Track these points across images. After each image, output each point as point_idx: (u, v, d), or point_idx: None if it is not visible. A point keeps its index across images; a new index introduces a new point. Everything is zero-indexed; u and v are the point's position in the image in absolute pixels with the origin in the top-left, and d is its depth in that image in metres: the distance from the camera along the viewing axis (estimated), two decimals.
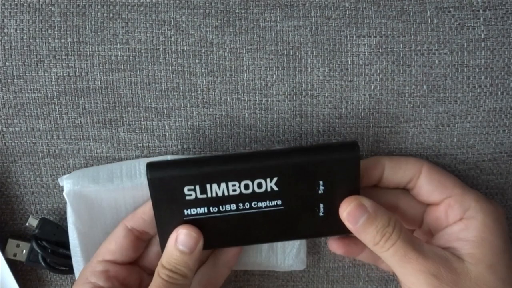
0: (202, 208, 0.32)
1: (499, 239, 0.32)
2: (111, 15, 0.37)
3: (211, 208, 0.32)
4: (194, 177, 0.32)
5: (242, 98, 0.38)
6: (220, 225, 0.33)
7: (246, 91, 0.38)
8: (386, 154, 0.39)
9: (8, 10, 0.37)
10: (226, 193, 0.32)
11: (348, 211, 0.32)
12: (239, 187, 0.32)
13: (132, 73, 0.37)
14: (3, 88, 0.37)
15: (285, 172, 0.32)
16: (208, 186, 0.32)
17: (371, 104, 0.38)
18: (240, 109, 0.38)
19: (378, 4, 0.37)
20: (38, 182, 0.39)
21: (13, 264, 0.39)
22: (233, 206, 0.33)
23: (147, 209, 0.35)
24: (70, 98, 0.38)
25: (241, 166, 0.32)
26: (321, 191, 0.33)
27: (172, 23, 0.37)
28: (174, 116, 0.38)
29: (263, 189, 0.32)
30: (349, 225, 0.33)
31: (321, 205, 0.33)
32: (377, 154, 0.39)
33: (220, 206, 0.32)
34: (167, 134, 0.38)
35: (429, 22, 0.37)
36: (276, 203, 0.33)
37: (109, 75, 0.37)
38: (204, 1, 0.37)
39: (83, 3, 0.37)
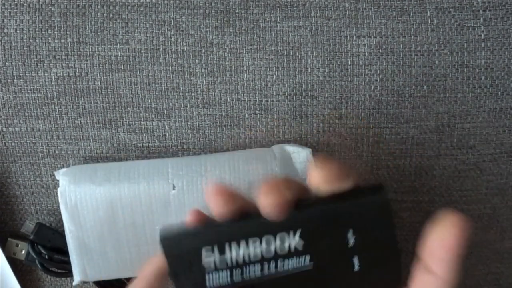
0: (225, 273, 0.29)
1: None
2: (111, 15, 0.37)
3: (234, 273, 0.29)
4: (211, 236, 0.29)
5: (242, 99, 0.38)
6: None
7: (246, 91, 0.38)
8: (386, 155, 0.39)
9: (8, 10, 0.37)
10: (247, 253, 0.29)
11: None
12: (261, 243, 0.29)
13: (132, 73, 0.37)
14: (3, 88, 0.37)
15: (308, 222, 0.29)
16: (226, 245, 0.29)
17: (371, 105, 0.38)
18: (240, 109, 0.38)
19: (378, 4, 0.37)
20: (38, 182, 0.39)
21: (13, 262, 0.39)
22: (258, 268, 0.29)
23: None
24: (70, 98, 0.38)
25: (261, 219, 0.29)
26: (352, 242, 0.29)
27: (172, 23, 0.37)
28: (174, 116, 0.38)
29: (287, 243, 0.29)
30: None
31: (355, 259, 0.29)
32: (378, 155, 0.39)
33: (244, 270, 0.29)
34: (167, 134, 0.38)
35: (429, 22, 0.37)
36: (304, 260, 0.29)
37: (109, 75, 0.37)
38: (204, 1, 0.37)
39: (83, 3, 0.37)
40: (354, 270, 0.29)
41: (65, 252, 0.39)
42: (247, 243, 0.29)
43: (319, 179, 0.28)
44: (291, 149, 0.37)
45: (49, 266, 0.39)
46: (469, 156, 0.39)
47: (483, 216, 0.41)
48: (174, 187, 0.36)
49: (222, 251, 0.29)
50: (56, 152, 0.39)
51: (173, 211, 0.36)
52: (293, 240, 0.29)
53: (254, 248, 0.29)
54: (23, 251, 0.39)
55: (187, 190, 0.36)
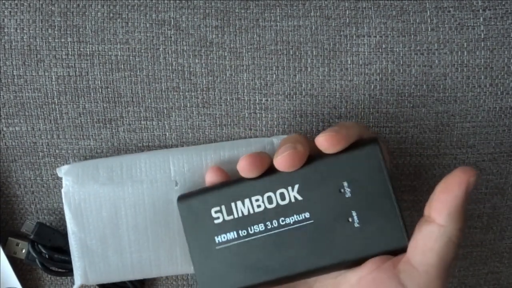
0: (232, 233, 0.32)
1: None
2: (111, 15, 0.37)
3: (240, 232, 0.32)
4: (218, 196, 0.32)
5: (242, 98, 0.38)
6: (251, 252, 0.32)
7: (246, 91, 0.38)
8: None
9: (8, 10, 0.37)
10: (251, 211, 0.32)
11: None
12: (263, 201, 0.32)
13: (132, 73, 0.38)
14: (3, 88, 0.37)
15: (305, 177, 0.31)
16: (233, 204, 0.32)
17: (371, 104, 0.38)
18: (240, 109, 0.38)
19: (378, 4, 0.37)
20: (38, 182, 0.39)
21: (13, 261, 0.39)
22: (261, 226, 0.32)
23: None
24: (70, 98, 0.38)
25: (261, 179, 0.32)
26: (348, 194, 0.30)
27: (172, 23, 0.37)
28: (174, 115, 0.38)
29: (287, 200, 0.31)
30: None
31: (353, 213, 0.30)
32: None
33: (249, 228, 0.32)
34: (167, 134, 0.38)
35: (429, 22, 0.37)
36: (304, 216, 0.31)
37: (109, 75, 0.38)
38: (204, 1, 0.37)
39: (83, 3, 0.37)
40: (355, 226, 0.31)
41: (66, 252, 0.39)
42: (251, 201, 0.32)
43: (325, 143, 0.30)
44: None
45: (49, 266, 0.39)
46: (468, 156, 0.39)
47: (483, 215, 0.41)
48: (176, 184, 0.36)
49: (229, 211, 0.32)
50: (57, 151, 0.39)
51: (175, 210, 0.36)
52: (292, 196, 0.31)
53: (257, 206, 0.32)
54: (24, 250, 0.39)
55: (189, 187, 0.36)
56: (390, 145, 0.39)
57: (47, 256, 0.39)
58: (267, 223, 0.32)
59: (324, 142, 0.30)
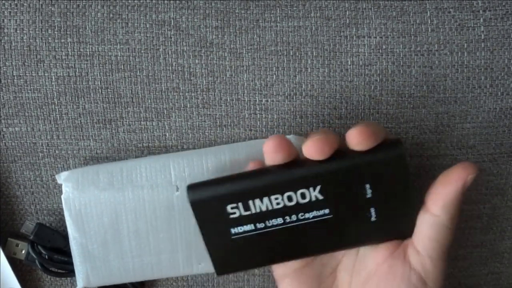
0: (249, 225, 0.32)
1: None
2: (111, 15, 0.37)
3: (257, 225, 0.32)
4: (235, 194, 0.31)
5: (242, 99, 0.38)
6: (269, 241, 0.32)
7: (246, 91, 0.38)
8: None
9: (8, 10, 0.37)
10: (270, 207, 0.31)
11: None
12: (283, 199, 0.31)
13: (132, 73, 0.37)
14: (3, 88, 0.37)
15: (328, 179, 0.31)
16: (251, 202, 0.31)
17: (371, 105, 0.38)
18: (240, 109, 0.38)
19: (378, 4, 0.37)
20: (38, 182, 0.39)
21: (13, 262, 0.39)
22: (280, 220, 0.32)
23: None
24: (70, 98, 0.38)
25: (281, 177, 0.31)
26: (369, 194, 0.31)
27: (172, 24, 0.37)
28: (174, 116, 0.38)
29: (307, 199, 0.31)
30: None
31: (372, 210, 0.31)
32: None
33: (267, 221, 0.32)
34: (167, 134, 0.38)
35: (429, 22, 0.37)
36: (324, 212, 0.31)
37: (109, 75, 0.37)
38: (204, 1, 0.37)
39: (83, 3, 0.37)
40: (371, 220, 0.32)
41: (65, 252, 0.39)
42: (270, 200, 0.31)
43: (358, 137, 0.30)
44: (292, 140, 0.37)
45: (49, 266, 0.39)
46: (469, 156, 0.39)
47: (483, 216, 0.41)
48: (177, 189, 0.36)
49: (246, 207, 0.31)
50: (56, 152, 0.39)
51: (177, 214, 0.36)
52: (313, 195, 0.31)
53: (276, 204, 0.31)
54: (23, 251, 0.39)
55: None
56: None
57: (46, 257, 0.38)
58: (285, 217, 0.31)
59: (357, 136, 0.29)
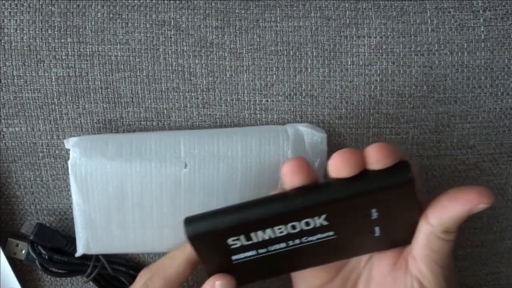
0: (250, 252, 0.31)
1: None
2: (111, 15, 0.37)
3: (259, 250, 0.31)
4: (236, 228, 0.30)
5: (242, 99, 0.38)
6: (271, 261, 0.32)
7: (246, 91, 0.38)
8: None
9: (8, 10, 0.37)
10: (273, 236, 0.30)
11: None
12: (286, 228, 0.30)
13: (132, 73, 0.37)
14: (3, 88, 0.37)
15: (334, 208, 0.29)
16: (253, 234, 0.30)
17: (371, 105, 0.38)
18: (240, 109, 0.38)
19: (378, 4, 0.37)
20: (38, 183, 0.39)
21: (13, 262, 0.39)
22: (283, 245, 0.31)
23: (181, 270, 0.34)
24: (70, 98, 0.38)
25: (285, 208, 0.29)
26: (374, 217, 0.30)
27: (172, 24, 0.37)
28: (174, 116, 0.38)
29: (312, 226, 0.30)
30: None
31: (377, 228, 0.31)
32: None
33: (269, 247, 0.31)
34: None
35: (429, 22, 0.37)
36: (328, 234, 0.31)
37: (109, 75, 0.37)
38: (204, 1, 0.37)
39: (83, 3, 0.37)
40: (375, 236, 0.31)
41: (65, 252, 0.39)
42: (273, 230, 0.30)
43: (378, 153, 0.28)
44: (305, 130, 0.37)
45: (49, 267, 0.39)
46: (469, 156, 0.39)
47: (483, 216, 0.41)
48: (186, 166, 0.36)
49: (248, 238, 0.30)
50: (56, 152, 0.39)
51: (182, 191, 0.36)
52: (318, 223, 0.30)
53: (279, 232, 0.30)
54: (23, 251, 0.39)
55: (198, 170, 0.36)
56: None
57: (46, 257, 0.38)
58: (288, 242, 0.31)
59: (378, 151, 0.28)
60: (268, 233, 0.30)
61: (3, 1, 0.37)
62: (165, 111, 0.38)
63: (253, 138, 0.36)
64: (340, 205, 0.29)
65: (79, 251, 0.37)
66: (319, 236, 0.31)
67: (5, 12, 0.37)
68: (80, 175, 0.35)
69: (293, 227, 0.30)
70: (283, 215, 0.29)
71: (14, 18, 0.37)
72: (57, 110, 0.38)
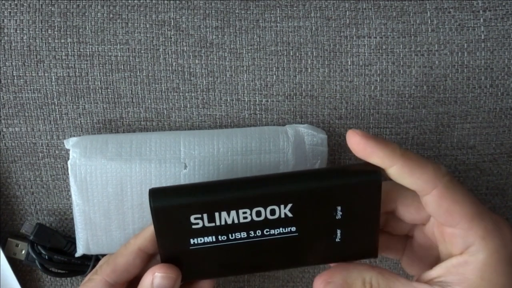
0: (210, 237, 0.30)
1: (501, 277, 0.29)
2: (111, 15, 0.37)
3: (219, 237, 0.30)
4: (201, 205, 0.29)
5: (242, 99, 0.38)
6: (228, 254, 0.31)
7: (246, 91, 0.38)
8: None
9: (8, 10, 0.37)
10: (236, 221, 0.30)
11: None
12: (251, 214, 0.29)
13: (132, 74, 0.37)
14: (3, 88, 0.37)
15: (301, 197, 0.29)
16: (216, 214, 0.29)
17: (371, 105, 0.38)
18: (240, 109, 0.38)
19: (378, 4, 0.37)
20: (38, 183, 0.39)
21: (13, 262, 0.39)
22: (244, 234, 0.30)
23: (131, 259, 0.32)
24: (70, 98, 0.38)
25: (253, 192, 0.29)
26: (338, 216, 0.30)
27: (172, 24, 0.37)
28: (174, 116, 0.38)
29: (277, 215, 0.29)
30: None
31: (338, 231, 0.31)
32: None
33: (230, 234, 0.30)
34: None
35: (429, 22, 0.37)
36: (290, 229, 0.30)
37: (109, 75, 0.37)
38: (204, 2, 0.37)
39: (83, 3, 0.37)
40: (335, 241, 0.31)
41: (65, 253, 0.39)
42: (237, 213, 0.29)
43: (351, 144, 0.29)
44: (305, 131, 0.37)
45: (49, 267, 0.39)
46: (469, 157, 0.39)
47: None
48: (185, 167, 0.36)
49: (211, 219, 0.29)
50: (56, 152, 0.38)
51: None
52: (283, 212, 0.30)
53: (243, 218, 0.29)
54: (23, 251, 0.39)
55: (198, 171, 0.35)
56: None
57: (46, 257, 0.38)
58: (250, 232, 0.30)
59: (357, 134, 0.29)
60: (232, 216, 0.29)
61: (3, 1, 0.36)
62: (165, 111, 0.38)
63: (253, 139, 0.36)
64: (308, 196, 0.29)
65: (79, 251, 0.37)
66: (281, 230, 0.30)
67: (5, 12, 0.37)
68: (80, 175, 0.35)
69: (258, 213, 0.29)
70: (250, 197, 0.29)
71: (14, 18, 0.37)
72: (57, 110, 0.38)
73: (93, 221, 0.36)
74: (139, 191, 0.36)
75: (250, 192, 0.29)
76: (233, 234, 0.30)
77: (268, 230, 0.30)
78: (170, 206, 0.29)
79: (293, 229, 0.30)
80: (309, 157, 0.36)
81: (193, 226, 0.30)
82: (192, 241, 0.30)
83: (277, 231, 0.30)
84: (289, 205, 0.29)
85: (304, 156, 0.36)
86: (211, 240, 0.30)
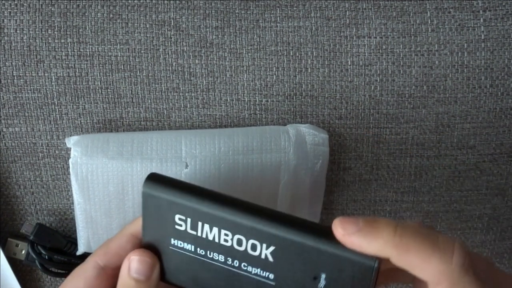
0: (189, 245, 0.29)
1: None
2: (111, 15, 0.37)
3: (198, 249, 0.29)
4: (187, 208, 0.28)
5: (242, 99, 0.38)
6: (203, 271, 0.29)
7: (246, 91, 0.38)
8: (386, 155, 0.39)
9: (8, 10, 0.37)
10: (217, 240, 0.28)
11: None
12: (232, 239, 0.28)
13: (132, 74, 0.37)
14: (3, 88, 0.37)
15: (285, 245, 0.27)
16: (199, 223, 0.28)
17: (371, 105, 0.38)
18: (240, 109, 0.38)
19: (378, 4, 0.37)
20: (38, 183, 0.39)
21: (13, 262, 0.39)
22: (222, 258, 0.29)
23: (124, 243, 0.31)
24: (70, 98, 0.38)
25: (239, 219, 0.27)
26: (321, 284, 0.27)
27: (172, 24, 0.37)
28: (174, 116, 0.38)
29: (257, 253, 0.28)
30: None
31: None
32: (378, 155, 0.39)
33: (208, 252, 0.29)
34: None
35: (429, 22, 0.37)
36: (268, 276, 0.28)
37: (109, 75, 0.37)
38: (204, 2, 0.37)
39: (83, 3, 0.37)
40: None
41: (65, 253, 0.39)
42: (219, 232, 0.28)
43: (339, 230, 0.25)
44: (306, 131, 0.37)
45: (49, 267, 0.39)
46: (469, 156, 0.39)
47: (483, 216, 0.41)
48: (186, 166, 0.35)
49: (193, 227, 0.28)
50: (56, 152, 0.38)
51: None
52: (263, 253, 0.28)
53: (224, 240, 0.28)
54: (23, 251, 0.39)
55: (199, 170, 0.35)
56: (390, 146, 0.39)
57: (46, 257, 0.38)
58: (228, 258, 0.29)
59: (339, 228, 0.25)
60: (214, 233, 0.28)
61: (3, 1, 0.36)
62: (165, 111, 0.38)
63: (255, 138, 0.36)
64: (293, 248, 0.27)
65: (80, 250, 0.37)
66: (258, 271, 0.28)
67: (5, 12, 0.37)
68: (81, 174, 0.35)
69: (239, 242, 0.28)
70: (235, 222, 0.28)
71: (14, 18, 0.37)
72: (57, 110, 0.38)
73: (94, 220, 0.36)
74: (140, 190, 0.36)
75: (237, 216, 0.28)
76: (212, 253, 0.29)
77: (246, 265, 0.29)
78: (159, 196, 0.29)
79: (271, 276, 0.28)
80: (311, 157, 0.36)
81: (176, 226, 0.29)
82: (172, 241, 0.30)
83: (255, 270, 0.29)
84: (271, 248, 0.27)
85: (305, 156, 0.36)
86: (189, 249, 0.29)
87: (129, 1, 0.37)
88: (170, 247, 0.30)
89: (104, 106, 0.38)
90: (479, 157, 0.39)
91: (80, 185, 0.36)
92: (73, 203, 0.38)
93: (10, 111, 0.38)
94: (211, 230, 0.28)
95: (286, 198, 0.36)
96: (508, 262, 0.42)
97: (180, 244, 0.29)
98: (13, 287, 0.40)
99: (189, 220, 0.28)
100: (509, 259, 0.42)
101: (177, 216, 0.29)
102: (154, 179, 0.29)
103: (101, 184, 0.36)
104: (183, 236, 0.29)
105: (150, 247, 0.30)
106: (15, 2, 0.37)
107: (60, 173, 0.39)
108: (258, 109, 0.38)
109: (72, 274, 0.31)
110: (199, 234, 0.29)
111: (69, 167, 0.37)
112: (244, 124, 0.38)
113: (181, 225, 0.29)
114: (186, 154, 0.35)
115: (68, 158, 0.38)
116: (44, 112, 0.38)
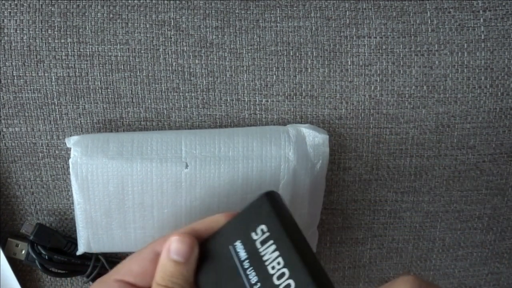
0: (244, 254, 0.29)
1: None
2: (111, 15, 0.37)
3: (244, 262, 0.29)
4: (276, 231, 0.28)
5: (242, 99, 0.38)
6: (229, 282, 0.29)
7: (246, 91, 0.38)
8: (386, 155, 0.39)
9: (8, 10, 0.37)
10: (267, 263, 0.28)
11: None
12: (279, 270, 0.28)
13: (132, 74, 0.37)
14: (3, 88, 0.37)
15: None
16: (270, 242, 0.28)
17: (371, 105, 0.38)
18: (240, 109, 0.38)
19: (378, 4, 0.37)
20: (38, 183, 0.39)
21: (13, 262, 0.39)
22: (254, 279, 0.28)
23: (186, 234, 0.30)
24: (70, 98, 0.38)
25: (301, 268, 0.27)
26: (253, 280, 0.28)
27: (172, 24, 0.37)
28: (174, 116, 0.38)
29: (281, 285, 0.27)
30: None
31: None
32: (378, 155, 0.39)
33: (250, 268, 0.29)
34: None
35: (429, 22, 0.37)
36: None
37: (109, 75, 0.37)
38: (204, 2, 0.37)
39: (83, 3, 0.37)
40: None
41: (65, 253, 0.39)
42: (276, 259, 0.28)
43: None
44: (306, 131, 0.37)
45: (49, 267, 0.39)
46: (469, 157, 0.39)
47: (483, 216, 0.41)
48: (187, 166, 0.35)
49: (264, 242, 0.28)
50: (56, 152, 0.39)
51: (183, 192, 0.36)
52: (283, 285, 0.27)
53: (271, 268, 0.28)
54: (23, 251, 0.39)
55: (199, 170, 0.35)
56: (390, 146, 0.39)
57: (46, 257, 0.38)
58: (258, 283, 0.28)
59: None
60: (272, 256, 0.28)
61: (3, 1, 0.36)
62: (165, 111, 0.38)
63: (255, 138, 0.36)
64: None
65: (80, 250, 0.37)
66: None
67: (5, 12, 0.37)
68: (81, 174, 0.35)
69: (281, 276, 0.27)
70: (298, 269, 0.27)
71: (14, 18, 0.37)
72: (57, 110, 0.38)
73: (94, 220, 0.36)
74: (140, 190, 0.36)
75: (301, 265, 0.27)
76: (252, 271, 0.28)
77: None
78: (268, 213, 0.29)
79: None
80: (311, 157, 0.36)
81: (252, 233, 0.29)
82: (237, 243, 0.29)
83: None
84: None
85: (305, 156, 0.36)
86: (241, 258, 0.29)
87: (129, 1, 0.37)
88: (230, 246, 0.29)
89: (104, 106, 0.38)
90: (479, 157, 0.39)
91: (80, 185, 0.36)
92: (73, 203, 0.38)
93: (10, 111, 0.38)
94: (273, 251, 0.28)
95: (286, 198, 0.37)
96: (508, 262, 0.42)
97: (239, 249, 0.29)
98: (13, 287, 0.40)
99: (266, 235, 0.29)
100: (509, 259, 0.42)
101: (262, 226, 0.29)
102: (273, 197, 0.29)
103: (101, 184, 0.36)
104: (249, 243, 0.29)
105: (208, 244, 0.30)
106: (15, 2, 0.37)
107: (60, 173, 0.39)
108: (258, 109, 0.38)
109: (129, 257, 0.31)
110: (260, 250, 0.29)
111: (69, 167, 0.37)
112: (244, 124, 0.38)
113: (257, 234, 0.29)
114: (186, 154, 0.35)
115: (68, 158, 0.38)
116: (44, 112, 0.38)
